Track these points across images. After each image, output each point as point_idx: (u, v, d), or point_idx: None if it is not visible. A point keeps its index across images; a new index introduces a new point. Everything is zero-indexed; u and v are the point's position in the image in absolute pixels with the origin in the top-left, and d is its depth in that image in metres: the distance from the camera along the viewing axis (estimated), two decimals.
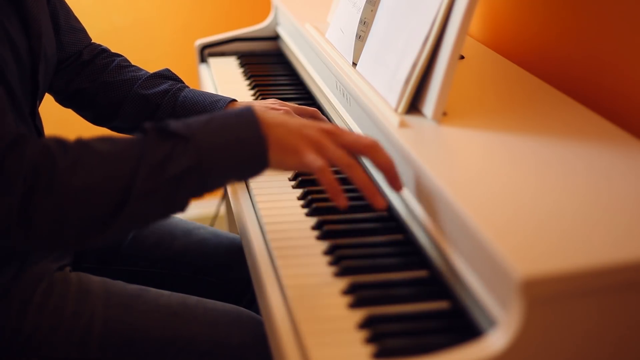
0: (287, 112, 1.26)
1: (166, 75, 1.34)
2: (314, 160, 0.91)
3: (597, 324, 0.76)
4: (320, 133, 0.93)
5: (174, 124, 0.89)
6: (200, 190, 0.89)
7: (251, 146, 0.90)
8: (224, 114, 0.92)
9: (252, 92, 1.60)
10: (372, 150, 0.94)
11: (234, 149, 0.89)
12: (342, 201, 0.92)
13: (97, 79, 1.32)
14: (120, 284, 1.16)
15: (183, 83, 1.34)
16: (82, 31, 1.37)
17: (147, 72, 1.35)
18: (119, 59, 1.37)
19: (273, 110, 1.25)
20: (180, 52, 2.56)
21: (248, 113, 0.92)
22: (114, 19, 2.51)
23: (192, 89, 1.31)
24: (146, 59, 2.56)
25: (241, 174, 0.93)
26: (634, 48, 1.14)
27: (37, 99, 1.10)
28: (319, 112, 1.31)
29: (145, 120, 1.26)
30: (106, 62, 1.35)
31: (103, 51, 1.38)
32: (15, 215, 0.82)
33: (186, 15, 2.59)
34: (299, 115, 1.26)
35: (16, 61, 1.03)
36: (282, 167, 0.93)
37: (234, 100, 1.29)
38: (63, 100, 1.35)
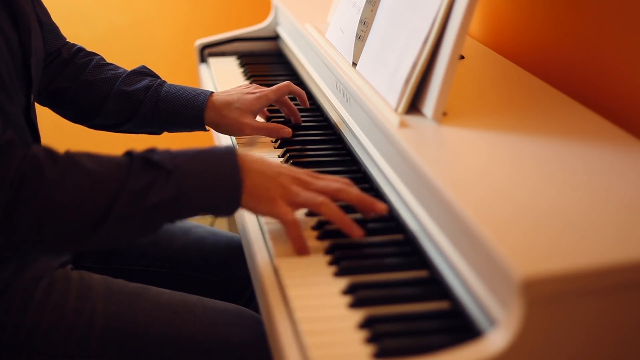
0: (261, 96, 1.31)
1: (144, 72, 1.37)
2: (285, 213, 0.97)
3: (598, 323, 0.76)
4: (293, 181, 0.99)
5: (160, 155, 0.94)
6: (172, 219, 0.95)
7: (227, 189, 0.95)
8: (209, 152, 0.96)
9: None
10: (340, 194, 1.00)
11: (211, 189, 0.94)
12: (305, 251, 0.98)
13: (78, 78, 1.35)
14: (121, 282, 1.16)
15: (161, 79, 1.37)
16: (58, 30, 1.39)
17: (125, 70, 1.38)
18: (96, 57, 1.40)
19: (250, 94, 1.32)
20: (180, 52, 2.56)
21: (231, 156, 0.96)
22: (114, 19, 2.52)
23: (172, 84, 1.35)
24: (146, 59, 2.56)
25: (213, 212, 0.98)
26: (634, 48, 1.14)
27: (31, 93, 1.11)
28: (292, 84, 1.36)
29: (127, 117, 1.32)
30: (85, 61, 1.37)
31: (80, 50, 1.40)
32: None
33: (186, 15, 2.59)
34: (275, 92, 1.33)
35: (9, 53, 1.04)
36: (254, 212, 0.99)
37: (212, 92, 1.34)
38: (43, 99, 1.37)
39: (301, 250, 0.98)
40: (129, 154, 0.94)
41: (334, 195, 1.00)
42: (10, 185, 0.86)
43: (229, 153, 0.97)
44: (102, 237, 0.90)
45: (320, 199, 0.98)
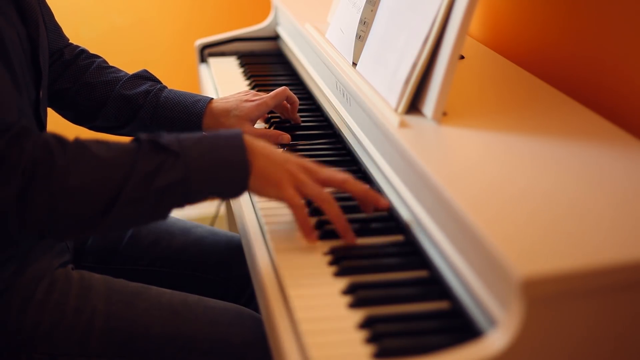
0: (261, 103, 1.32)
1: (145, 76, 1.38)
2: (292, 196, 0.98)
3: (597, 323, 0.76)
4: (300, 169, 1.00)
5: (167, 138, 0.95)
6: (181, 203, 0.95)
7: (235, 170, 0.96)
8: (215, 135, 0.98)
9: None
10: (346, 185, 1.01)
11: (219, 170, 0.95)
12: (311, 235, 1.00)
13: (79, 80, 1.36)
14: (121, 281, 1.16)
15: (162, 84, 1.38)
16: (61, 30, 1.40)
17: (127, 73, 1.38)
18: (98, 60, 1.40)
19: (248, 102, 1.32)
20: (180, 52, 2.56)
21: (237, 138, 0.97)
22: (114, 19, 2.51)
23: (172, 90, 1.35)
24: (146, 59, 2.56)
25: (222, 193, 0.99)
26: (634, 48, 1.14)
27: (40, 88, 1.11)
28: (288, 89, 1.37)
29: (126, 120, 1.33)
30: (87, 63, 1.38)
31: (82, 52, 1.40)
32: (13, 205, 0.88)
33: (186, 15, 2.59)
34: (273, 98, 1.33)
35: (20, 46, 1.05)
36: (261, 195, 1.00)
37: (212, 99, 1.34)
38: None
39: (308, 234, 0.99)
40: (137, 139, 0.95)
41: (339, 186, 1.01)
42: (23, 173, 0.88)
43: (235, 136, 0.97)
44: (114, 222, 0.92)
45: (326, 195, 0.99)
